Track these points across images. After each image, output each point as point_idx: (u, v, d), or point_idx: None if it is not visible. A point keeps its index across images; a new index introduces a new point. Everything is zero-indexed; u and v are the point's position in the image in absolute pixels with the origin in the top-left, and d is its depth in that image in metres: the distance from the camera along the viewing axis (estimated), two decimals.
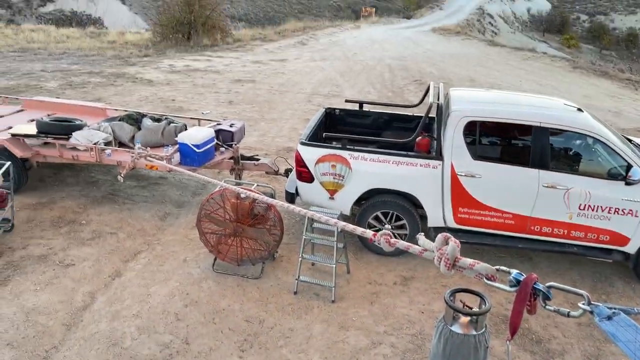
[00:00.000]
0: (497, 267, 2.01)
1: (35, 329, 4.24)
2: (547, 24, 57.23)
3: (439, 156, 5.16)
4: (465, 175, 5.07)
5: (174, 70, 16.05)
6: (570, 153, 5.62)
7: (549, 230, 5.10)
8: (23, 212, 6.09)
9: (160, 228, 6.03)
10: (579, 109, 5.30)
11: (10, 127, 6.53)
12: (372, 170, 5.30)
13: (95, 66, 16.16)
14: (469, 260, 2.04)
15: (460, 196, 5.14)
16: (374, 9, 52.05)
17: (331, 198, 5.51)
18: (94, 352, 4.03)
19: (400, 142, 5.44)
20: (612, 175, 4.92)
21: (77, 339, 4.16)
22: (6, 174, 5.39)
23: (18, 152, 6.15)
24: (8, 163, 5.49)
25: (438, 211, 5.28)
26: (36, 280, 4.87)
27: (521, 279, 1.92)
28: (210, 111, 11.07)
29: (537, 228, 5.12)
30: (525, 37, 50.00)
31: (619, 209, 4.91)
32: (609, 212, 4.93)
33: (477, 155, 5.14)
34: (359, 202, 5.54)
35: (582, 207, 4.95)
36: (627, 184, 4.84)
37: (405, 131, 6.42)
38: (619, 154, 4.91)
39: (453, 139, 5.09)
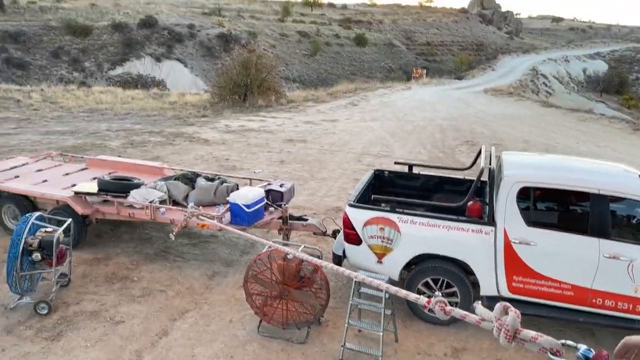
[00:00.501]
0: (563, 341, 1.88)
1: None
2: (604, 84, 56.05)
3: (492, 222, 5.01)
4: (519, 243, 4.88)
5: (229, 130, 16.65)
6: (634, 222, 5.33)
7: (611, 304, 4.78)
8: (80, 267, 6.31)
9: (208, 287, 6.07)
10: None
11: (74, 185, 6.90)
12: (421, 234, 5.19)
13: (156, 126, 17.01)
14: (531, 333, 1.90)
15: (514, 264, 4.93)
16: (424, 70, 52.84)
17: (379, 262, 5.41)
18: None
19: (451, 206, 5.34)
20: None
21: None
22: (67, 230, 5.63)
23: (79, 209, 6.45)
24: (69, 220, 5.76)
25: (491, 279, 5.07)
26: (87, 337, 4.97)
27: (590, 356, 1.77)
28: (262, 170, 11.34)
29: (599, 301, 4.80)
30: (582, 97, 49.08)
31: None
32: None
33: (532, 222, 4.95)
34: (408, 267, 5.41)
35: None
36: None
37: (456, 195, 6.31)
38: None
39: (506, 205, 4.95)
